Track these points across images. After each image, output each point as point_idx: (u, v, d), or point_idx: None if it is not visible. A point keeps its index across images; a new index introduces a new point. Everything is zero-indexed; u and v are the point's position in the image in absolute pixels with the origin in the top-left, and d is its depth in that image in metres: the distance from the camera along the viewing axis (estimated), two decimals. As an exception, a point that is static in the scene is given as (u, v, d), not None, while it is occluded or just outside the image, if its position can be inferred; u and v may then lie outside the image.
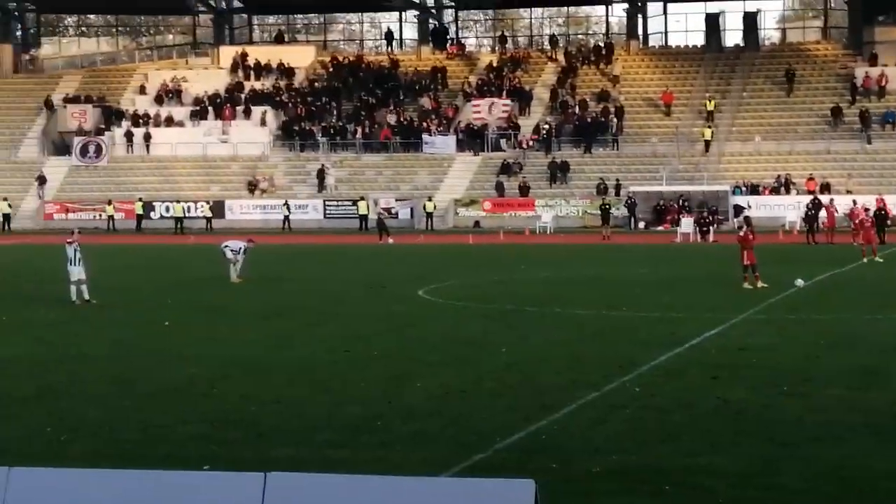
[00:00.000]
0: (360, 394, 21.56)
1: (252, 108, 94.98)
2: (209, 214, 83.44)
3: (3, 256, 61.75)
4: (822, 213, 68.18)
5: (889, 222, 65.42)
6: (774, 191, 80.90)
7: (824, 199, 71.95)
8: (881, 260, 50.27)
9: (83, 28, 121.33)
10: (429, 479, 13.08)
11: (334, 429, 18.82)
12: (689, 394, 21.21)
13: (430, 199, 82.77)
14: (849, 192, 77.98)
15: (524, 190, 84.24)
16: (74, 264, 36.25)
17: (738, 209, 77.04)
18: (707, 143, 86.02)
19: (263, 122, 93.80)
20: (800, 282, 39.39)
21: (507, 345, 27.20)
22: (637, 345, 26.88)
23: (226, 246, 43.68)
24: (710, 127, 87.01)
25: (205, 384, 22.64)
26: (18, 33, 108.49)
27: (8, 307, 35.67)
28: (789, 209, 77.22)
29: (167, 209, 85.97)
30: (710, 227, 69.91)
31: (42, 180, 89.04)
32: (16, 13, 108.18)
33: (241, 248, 43.46)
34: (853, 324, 30.65)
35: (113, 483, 12.17)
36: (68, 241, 36.86)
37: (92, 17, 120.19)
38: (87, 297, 36.19)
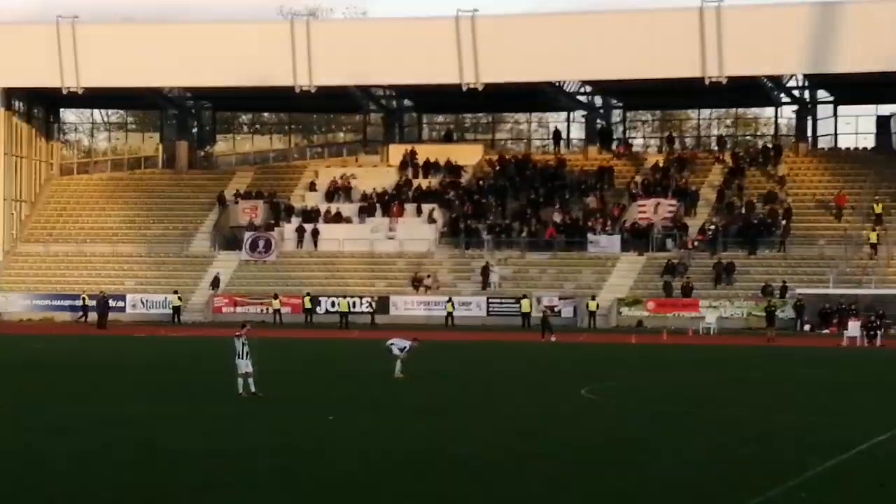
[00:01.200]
0: (523, 493, 21.52)
1: (419, 205, 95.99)
2: (372, 309, 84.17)
3: (173, 348, 62.98)
4: None
5: None
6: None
7: None
8: None
9: (257, 126, 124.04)
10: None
11: (495, 527, 18.82)
12: (857, 500, 20.85)
13: (593, 298, 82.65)
14: None
15: (688, 290, 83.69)
16: (242, 357, 36.69)
17: (908, 313, 75.72)
18: (875, 246, 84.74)
19: (430, 220, 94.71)
20: (972, 389, 38.53)
21: (671, 446, 26.98)
22: (803, 449, 26.47)
23: (391, 343, 43.98)
24: (877, 230, 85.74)
25: (369, 479, 22.77)
26: (195, 130, 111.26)
27: (177, 399, 36.31)
28: (961, 314, 75.61)
29: (332, 304, 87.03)
30: (878, 332, 68.71)
31: (216, 282, 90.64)
32: (192, 111, 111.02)
33: (405, 347, 43.70)
34: None
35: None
36: (237, 334, 37.33)
37: (265, 115, 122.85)
38: (253, 389, 36.65)
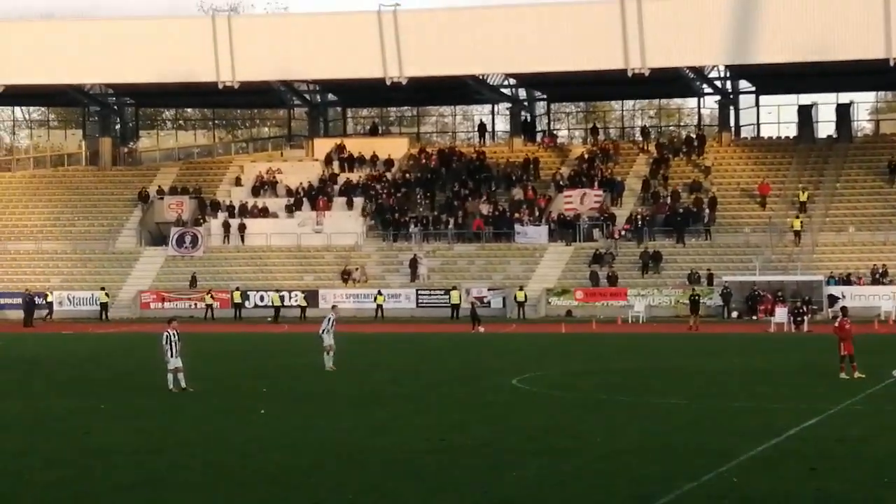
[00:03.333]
0: (455, 483, 21.57)
1: (345, 198, 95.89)
2: (304, 304, 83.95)
3: (101, 345, 62.52)
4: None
5: None
6: (877, 281, 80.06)
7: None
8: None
9: (180, 122, 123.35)
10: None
11: (431, 517, 18.85)
12: (788, 485, 21.03)
13: (521, 289, 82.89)
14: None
15: (614, 279, 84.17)
16: (172, 353, 36.60)
17: (833, 299, 76.53)
18: (798, 234, 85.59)
19: (363, 213, 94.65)
20: (898, 372, 38.99)
21: (603, 434, 27.12)
22: (734, 435, 26.69)
23: (322, 332, 43.93)
24: (800, 217, 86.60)
25: (300, 473, 22.75)
26: (118, 127, 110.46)
27: (106, 396, 36.07)
28: (884, 299, 76.52)
29: (261, 298, 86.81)
30: (805, 318, 69.39)
31: (193, 281, 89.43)
32: (115, 107, 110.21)
33: (327, 320, 43.80)
34: (953, 415, 30.28)
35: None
36: (167, 329, 37.23)
37: (189, 110, 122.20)
38: (183, 385, 36.58)
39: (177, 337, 36.71)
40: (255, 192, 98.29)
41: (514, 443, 26.21)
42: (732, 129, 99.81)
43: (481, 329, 69.50)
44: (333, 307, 49.36)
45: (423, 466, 23.24)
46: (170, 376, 36.68)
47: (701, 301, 75.61)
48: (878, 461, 23.30)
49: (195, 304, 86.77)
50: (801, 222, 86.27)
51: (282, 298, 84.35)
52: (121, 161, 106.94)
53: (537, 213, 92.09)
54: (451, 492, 20.68)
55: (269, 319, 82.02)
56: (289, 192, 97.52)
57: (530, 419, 30.23)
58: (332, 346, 43.51)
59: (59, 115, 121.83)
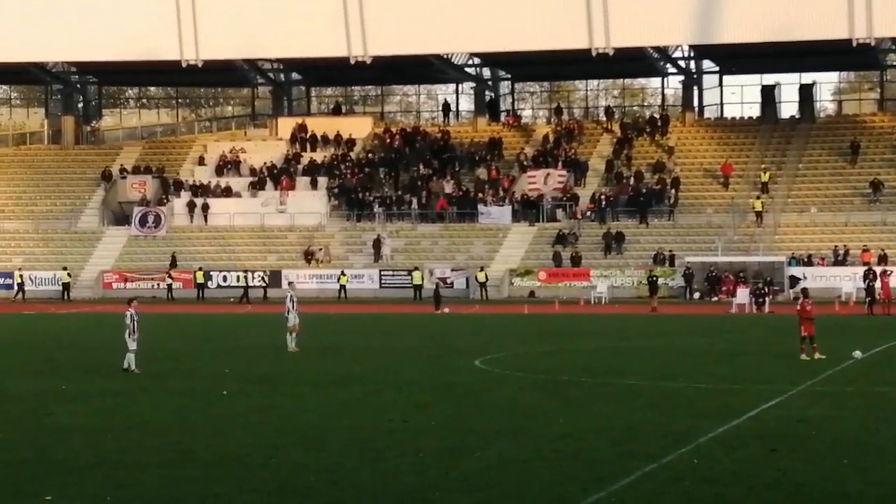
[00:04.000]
0: (417, 464, 21.57)
1: (309, 178, 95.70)
2: (265, 284, 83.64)
3: (62, 325, 62.28)
4: (878, 284, 68.02)
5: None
6: (838, 262, 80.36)
7: (879, 269, 71.77)
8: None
9: (143, 100, 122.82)
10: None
11: (391, 499, 18.83)
12: (748, 466, 21.10)
13: (481, 269, 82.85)
14: (906, 263, 77.69)
15: (578, 260, 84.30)
16: (131, 333, 36.49)
17: (794, 280, 76.86)
18: (760, 215, 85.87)
19: (322, 192, 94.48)
20: (858, 353, 39.13)
21: (564, 415, 27.17)
22: (694, 416, 26.77)
23: (287, 311, 43.86)
24: (761, 198, 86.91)
25: (261, 454, 22.70)
26: (80, 105, 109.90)
27: (67, 376, 35.93)
28: (845, 280, 76.88)
29: (224, 279, 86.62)
30: (766, 298, 69.64)
31: (174, 262, 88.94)
32: (78, 85, 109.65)
33: (289, 298, 43.75)
34: (912, 396, 30.45)
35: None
36: (128, 309, 37.15)
37: (152, 89, 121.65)
38: (133, 366, 36.33)
39: (135, 318, 36.64)
40: (219, 171, 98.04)
41: (476, 423, 26.21)
42: (696, 109, 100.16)
43: (445, 310, 69.46)
44: (290, 284, 49.44)
45: (385, 447, 23.22)
46: (129, 355, 36.59)
47: (659, 282, 75.78)
48: (838, 442, 23.40)
49: (157, 285, 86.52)
50: (763, 203, 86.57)
51: (246, 279, 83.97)
52: (83, 140, 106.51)
53: (501, 194, 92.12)
54: (413, 473, 20.67)
55: (233, 300, 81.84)
56: (252, 172, 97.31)
57: (492, 400, 30.25)
58: (295, 327, 43.45)
59: (22, 93, 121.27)
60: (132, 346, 36.50)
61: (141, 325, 37.11)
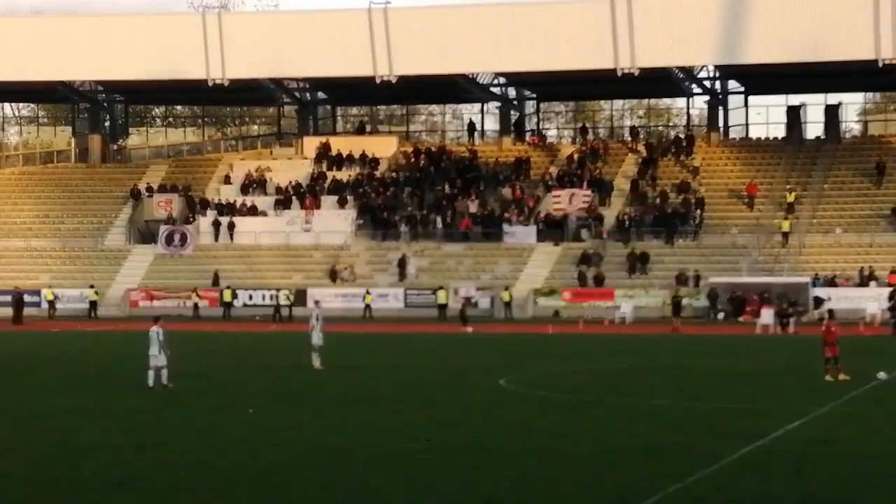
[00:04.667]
0: (441, 482, 21.66)
1: (335, 197, 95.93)
2: (290, 302, 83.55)
3: (89, 343, 62.52)
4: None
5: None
6: (863, 283, 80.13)
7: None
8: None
9: (170, 119, 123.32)
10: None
11: (417, 517, 18.92)
12: (773, 487, 21.14)
13: (506, 289, 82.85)
14: (933, 284, 77.47)
15: (602, 280, 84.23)
16: (157, 350, 36.74)
17: (819, 301, 76.66)
18: (787, 235, 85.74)
19: (347, 211, 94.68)
20: (882, 374, 39.11)
21: (588, 435, 27.22)
22: (719, 436, 26.81)
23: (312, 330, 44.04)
24: (788, 219, 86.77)
25: (289, 471, 22.82)
26: (107, 124, 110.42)
27: (94, 394, 36.12)
28: (870, 301, 76.66)
29: (250, 297, 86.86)
30: (791, 319, 69.49)
31: (216, 280, 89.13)
32: (105, 104, 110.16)
33: (315, 317, 43.94)
34: (937, 418, 30.43)
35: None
36: (153, 327, 37.41)
37: (178, 108, 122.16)
38: (164, 381, 36.73)
39: (161, 335, 36.89)
40: (245, 190, 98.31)
41: (500, 443, 26.29)
42: (721, 129, 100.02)
43: (469, 329, 69.53)
44: (317, 303, 49.64)
45: (409, 466, 23.32)
46: (150, 373, 36.81)
47: (683, 303, 75.70)
48: (863, 463, 23.42)
49: (184, 303, 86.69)
50: (790, 223, 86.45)
51: (277, 298, 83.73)
52: (110, 158, 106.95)
53: (526, 213, 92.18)
54: (436, 492, 20.77)
55: (258, 318, 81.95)
56: (278, 191, 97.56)
57: (516, 419, 30.32)
58: (319, 345, 43.61)
59: (49, 111, 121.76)
60: (162, 361, 36.68)
61: (168, 343, 37.29)
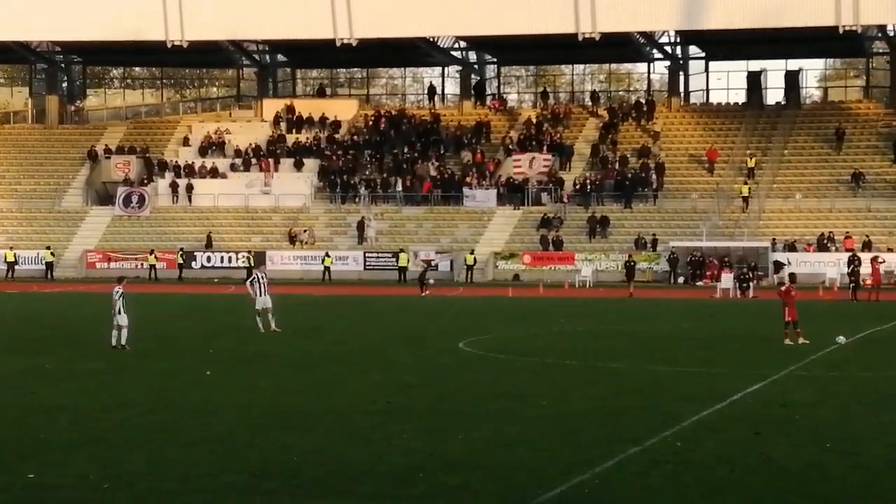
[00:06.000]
0: (402, 445, 21.59)
1: (294, 160, 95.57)
2: (250, 265, 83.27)
3: (46, 304, 62.16)
4: (867, 270, 68.31)
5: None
6: (823, 248, 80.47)
7: (867, 256, 72.05)
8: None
9: (128, 80, 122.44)
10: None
11: (376, 480, 18.84)
12: (732, 449, 21.15)
13: (470, 253, 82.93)
14: (890, 249, 77.87)
15: (562, 244, 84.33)
16: (119, 311, 36.79)
17: (778, 265, 76.99)
18: (747, 200, 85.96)
19: (306, 174, 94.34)
20: (841, 339, 39.25)
21: (547, 398, 27.19)
22: (678, 400, 26.82)
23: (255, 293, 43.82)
24: (748, 184, 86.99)
25: (246, 434, 22.70)
26: (65, 84, 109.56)
27: (51, 355, 35.87)
28: (829, 266, 77.04)
29: (208, 259, 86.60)
30: (750, 283, 69.74)
31: (209, 241, 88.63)
32: (62, 65, 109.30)
33: (256, 279, 43.77)
34: (895, 382, 30.53)
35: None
36: (116, 287, 37.49)
37: (137, 69, 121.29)
38: (123, 342, 36.73)
39: (121, 295, 36.94)
40: (203, 152, 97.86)
41: (460, 405, 26.24)
42: (682, 94, 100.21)
43: (427, 293, 69.48)
44: (260, 266, 49.10)
45: (369, 428, 23.24)
46: (114, 333, 36.87)
47: (644, 266, 75.81)
48: (821, 426, 23.47)
49: (141, 265, 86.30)
50: (749, 188, 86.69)
51: (249, 260, 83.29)
52: (67, 119, 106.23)
53: (486, 177, 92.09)
54: (397, 454, 20.69)
55: (217, 280, 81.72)
56: (237, 153, 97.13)
57: (476, 382, 30.27)
58: (267, 307, 43.27)
59: (6, 72, 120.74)
60: (123, 322, 36.71)
61: (126, 304, 37.16)
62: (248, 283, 45.13)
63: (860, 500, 17.60)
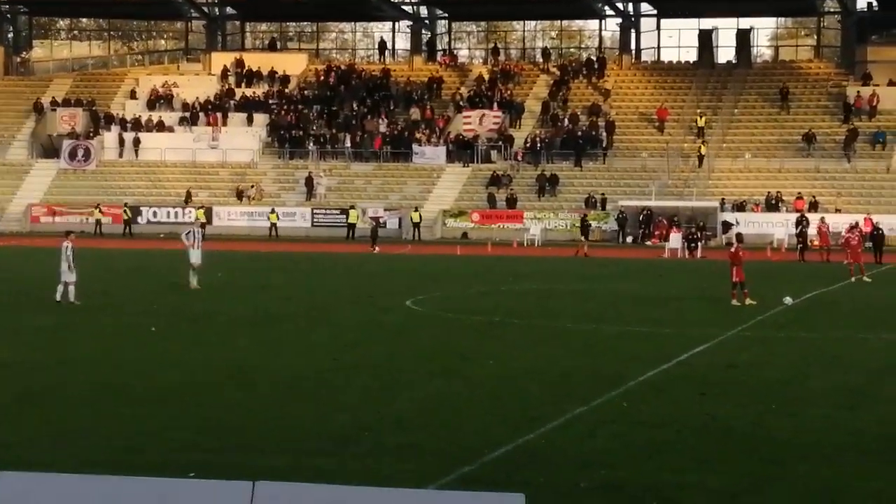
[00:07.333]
0: (348, 403, 21.49)
1: (242, 114, 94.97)
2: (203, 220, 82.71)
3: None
4: (814, 231, 68.67)
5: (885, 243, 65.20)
6: (772, 207, 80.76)
7: (815, 217, 72.43)
8: (869, 280, 50.29)
9: (75, 32, 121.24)
10: (418, 492, 13.01)
11: (322, 438, 18.74)
12: (677, 410, 21.17)
13: (416, 210, 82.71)
14: (837, 210, 78.28)
15: (512, 202, 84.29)
16: (67, 266, 36.53)
17: (727, 225, 77.23)
18: (701, 158, 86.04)
19: (254, 129, 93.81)
20: (788, 299, 39.42)
21: (495, 357, 27.16)
22: (625, 360, 26.84)
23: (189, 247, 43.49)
24: (697, 143, 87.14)
25: (192, 391, 22.56)
26: (10, 35, 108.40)
27: (-5, 310, 35.57)
28: (777, 227, 77.38)
29: (154, 214, 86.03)
30: (699, 243, 69.93)
31: (189, 196, 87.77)
32: (8, 15, 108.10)
33: (193, 233, 43.54)
34: (841, 343, 30.69)
35: (100, 489, 12.08)
36: (63, 242, 37.21)
37: (84, 20, 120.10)
38: (71, 298, 36.43)
39: (71, 251, 36.66)
40: (151, 105, 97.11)
41: (407, 364, 26.18)
42: (633, 52, 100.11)
43: (376, 249, 69.35)
44: (196, 220, 48.80)
45: (315, 386, 23.14)
46: (60, 287, 36.61)
47: (593, 225, 75.85)
48: (767, 387, 23.54)
49: (86, 219, 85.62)
50: (700, 147, 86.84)
51: (207, 216, 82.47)
52: (13, 71, 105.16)
53: (436, 134, 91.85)
54: (344, 412, 20.60)
55: (162, 236, 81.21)
56: (185, 107, 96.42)
57: (424, 340, 30.23)
58: (197, 264, 42.95)
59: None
60: (71, 277, 36.46)
61: (76, 259, 36.92)
62: (183, 235, 44.78)
63: (805, 460, 17.65)
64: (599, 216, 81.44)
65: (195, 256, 43.10)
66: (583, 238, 71.56)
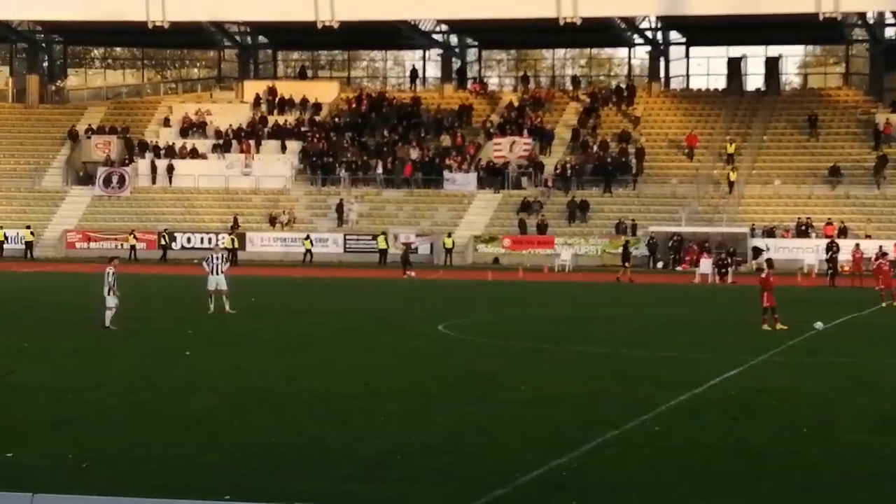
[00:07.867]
0: (379, 428, 21.62)
1: (275, 141, 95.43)
2: (233, 246, 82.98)
3: (25, 284, 62.02)
4: (846, 257, 68.58)
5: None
6: (802, 233, 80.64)
7: (848, 243, 72.33)
8: (901, 305, 50.19)
9: (109, 60, 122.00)
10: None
11: (354, 463, 18.87)
12: (709, 435, 21.25)
13: (448, 236, 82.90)
14: (868, 236, 78.08)
15: (543, 228, 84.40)
16: (109, 291, 36.98)
17: (757, 251, 77.15)
18: (732, 185, 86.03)
19: (287, 156, 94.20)
20: (819, 325, 39.39)
21: (526, 381, 27.26)
22: (656, 385, 26.91)
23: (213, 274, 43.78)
24: (727, 170, 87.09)
25: (225, 415, 22.71)
26: (45, 64, 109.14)
27: (30, 335, 35.82)
28: (808, 252, 77.28)
29: (188, 240, 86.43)
30: (729, 269, 69.89)
31: (235, 223, 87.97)
32: (43, 45, 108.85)
33: (209, 261, 43.87)
34: (872, 368, 30.69)
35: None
36: (107, 268, 37.73)
37: (118, 49, 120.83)
38: (107, 323, 36.86)
39: (113, 277, 37.18)
40: (184, 133, 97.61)
41: (438, 389, 26.30)
42: (662, 79, 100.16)
43: (412, 274, 69.52)
44: (215, 246, 48.99)
45: (347, 411, 23.28)
46: (108, 312, 37.03)
47: (632, 252, 75.84)
48: (798, 412, 23.58)
49: (121, 245, 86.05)
50: (729, 174, 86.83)
51: (233, 242, 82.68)
52: (48, 99, 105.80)
53: (467, 160, 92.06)
54: (374, 437, 20.73)
55: (197, 262, 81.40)
56: (218, 134, 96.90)
57: (455, 365, 30.33)
58: (220, 289, 43.20)
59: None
60: (112, 302, 36.89)
61: (117, 285, 37.28)
62: (203, 262, 45.19)
63: (836, 486, 17.70)
64: (631, 242, 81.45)
65: (212, 283, 43.40)
66: (625, 265, 71.39)
